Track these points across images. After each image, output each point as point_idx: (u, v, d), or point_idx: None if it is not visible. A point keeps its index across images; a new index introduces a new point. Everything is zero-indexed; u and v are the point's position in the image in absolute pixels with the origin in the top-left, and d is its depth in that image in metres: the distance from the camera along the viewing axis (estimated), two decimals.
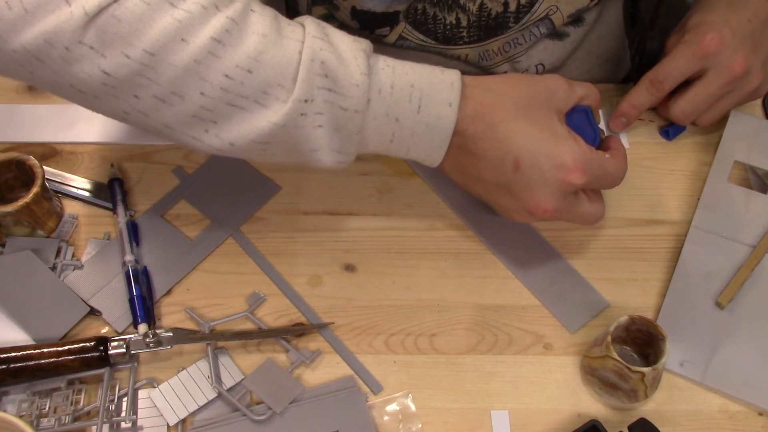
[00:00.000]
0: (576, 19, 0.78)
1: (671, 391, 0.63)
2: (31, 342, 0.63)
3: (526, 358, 0.64)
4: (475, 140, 0.60)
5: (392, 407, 0.62)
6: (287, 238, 0.70)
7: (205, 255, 0.69)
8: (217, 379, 0.62)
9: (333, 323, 0.66)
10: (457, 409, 0.62)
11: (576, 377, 0.64)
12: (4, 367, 0.59)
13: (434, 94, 0.58)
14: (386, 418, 0.61)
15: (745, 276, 0.67)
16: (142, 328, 0.63)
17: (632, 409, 0.62)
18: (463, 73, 0.60)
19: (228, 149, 0.56)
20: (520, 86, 0.61)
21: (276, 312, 0.66)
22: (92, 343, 0.60)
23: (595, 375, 0.61)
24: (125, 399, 0.61)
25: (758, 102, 0.80)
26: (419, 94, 0.58)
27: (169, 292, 0.67)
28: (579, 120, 0.63)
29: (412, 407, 0.62)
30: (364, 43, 0.57)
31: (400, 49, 0.79)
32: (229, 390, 0.61)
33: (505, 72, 0.82)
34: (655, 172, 0.76)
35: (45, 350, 0.60)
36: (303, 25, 0.56)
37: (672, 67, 0.72)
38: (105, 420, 0.59)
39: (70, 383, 0.61)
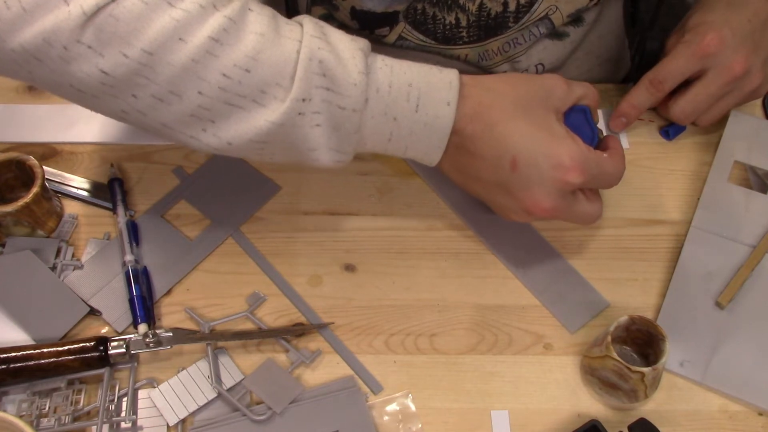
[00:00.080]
0: (576, 18, 0.78)
1: (671, 391, 0.63)
2: (31, 342, 0.63)
3: (526, 358, 0.64)
4: (474, 139, 0.60)
5: (392, 407, 0.62)
6: (287, 238, 0.70)
7: (205, 255, 0.69)
8: (217, 379, 0.62)
9: (333, 323, 0.66)
10: (457, 409, 0.62)
11: (576, 377, 0.63)
12: (4, 367, 0.59)
13: (432, 93, 0.58)
14: (386, 418, 0.61)
15: (745, 276, 0.67)
16: (142, 328, 0.63)
17: (632, 409, 0.61)
18: (463, 72, 0.60)
19: (226, 148, 0.56)
20: (518, 86, 0.61)
21: (276, 312, 0.66)
22: (92, 343, 0.60)
23: (595, 375, 0.61)
24: (125, 399, 0.61)
25: (758, 102, 0.80)
26: (417, 93, 0.58)
27: (169, 292, 0.67)
28: (577, 119, 0.63)
29: (412, 407, 0.62)
30: (362, 43, 0.57)
31: (399, 49, 0.79)
32: (229, 390, 0.61)
33: (505, 72, 0.82)
34: (655, 172, 0.75)
35: (45, 350, 0.60)
36: (301, 25, 0.56)
37: (672, 67, 0.72)
38: (105, 420, 0.59)
39: (70, 383, 0.61)
